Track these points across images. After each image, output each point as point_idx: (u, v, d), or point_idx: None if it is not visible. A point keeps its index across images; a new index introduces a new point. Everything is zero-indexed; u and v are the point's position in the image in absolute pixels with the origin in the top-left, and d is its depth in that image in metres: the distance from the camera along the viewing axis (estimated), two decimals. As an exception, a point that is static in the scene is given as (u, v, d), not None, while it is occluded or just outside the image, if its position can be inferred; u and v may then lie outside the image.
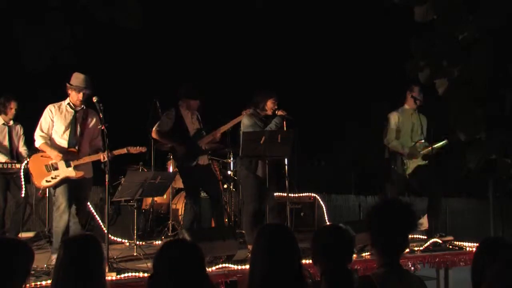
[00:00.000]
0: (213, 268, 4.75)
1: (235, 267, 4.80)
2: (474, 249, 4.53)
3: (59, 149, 5.27)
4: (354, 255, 5.17)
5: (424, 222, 6.50)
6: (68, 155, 5.26)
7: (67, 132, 5.32)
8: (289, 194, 6.12)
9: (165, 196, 7.02)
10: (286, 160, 5.97)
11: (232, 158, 7.86)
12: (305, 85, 13.37)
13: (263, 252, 2.70)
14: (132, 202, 6.08)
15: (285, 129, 6.00)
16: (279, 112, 6.04)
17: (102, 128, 5.08)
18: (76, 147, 5.33)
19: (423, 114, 6.76)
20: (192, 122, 6.30)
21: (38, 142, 5.29)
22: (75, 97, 5.34)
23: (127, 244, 6.40)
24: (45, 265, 4.76)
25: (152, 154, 7.24)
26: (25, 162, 6.12)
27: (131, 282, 4.41)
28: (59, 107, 5.37)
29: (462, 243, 6.36)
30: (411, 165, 6.56)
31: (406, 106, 6.72)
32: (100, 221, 6.34)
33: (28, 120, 5.77)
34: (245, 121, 6.05)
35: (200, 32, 11.57)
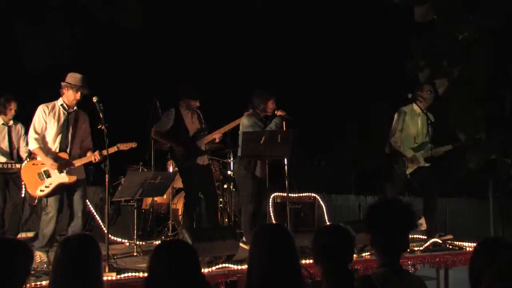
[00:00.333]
0: (213, 268, 4.74)
1: (235, 267, 4.80)
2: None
3: (53, 155, 5.24)
4: (355, 255, 5.18)
5: (423, 222, 6.50)
6: (60, 161, 5.24)
7: (60, 135, 5.30)
8: (289, 194, 6.11)
9: (165, 196, 7.01)
10: (286, 160, 5.97)
11: (232, 158, 7.86)
12: (305, 85, 13.36)
13: (261, 252, 2.70)
14: (132, 202, 6.08)
15: (284, 129, 6.00)
16: (279, 112, 6.03)
17: (102, 128, 5.08)
18: (68, 150, 5.32)
19: (430, 112, 6.65)
20: (192, 122, 6.30)
21: (33, 145, 5.24)
22: (71, 96, 5.30)
23: (127, 244, 6.40)
24: (45, 266, 4.77)
25: (152, 154, 7.24)
26: (25, 162, 6.11)
27: (131, 282, 4.41)
28: (52, 109, 5.31)
29: (462, 243, 6.36)
30: (412, 165, 6.54)
31: (415, 107, 6.58)
32: (100, 221, 6.34)
33: (28, 120, 5.75)
34: (245, 121, 6.04)
35: (200, 32, 11.56)
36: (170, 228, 7.13)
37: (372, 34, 12.82)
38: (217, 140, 6.31)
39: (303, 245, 5.59)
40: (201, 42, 11.75)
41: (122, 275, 4.48)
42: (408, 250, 5.49)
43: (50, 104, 5.35)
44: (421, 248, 6.00)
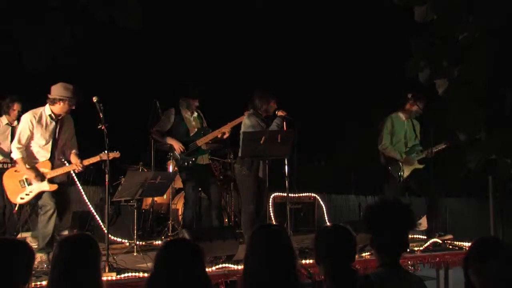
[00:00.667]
0: (213, 268, 4.75)
1: (235, 267, 4.81)
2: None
3: (33, 166, 5.30)
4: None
5: (424, 222, 6.51)
6: (40, 172, 5.30)
7: (49, 144, 5.37)
8: (289, 194, 6.12)
9: (165, 196, 7.02)
10: (286, 160, 5.98)
11: (232, 158, 7.86)
12: (305, 85, 13.35)
13: (257, 254, 2.70)
14: (132, 202, 6.09)
15: (285, 129, 6.00)
16: (279, 113, 6.04)
17: (102, 128, 5.09)
18: (50, 159, 5.40)
19: (415, 119, 6.82)
20: (192, 121, 6.32)
21: (16, 155, 5.29)
22: (65, 108, 5.36)
23: (127, 244, 6.40)
24: (45, 265, 4.78)
25: (152, 154, 7.24)
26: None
27: (131, 282, 4.41)
28: (40, 118, 5.35)
29: (462, 243, 6.37)
30: (408, 169, 6.57)
31: (400, 114, 6.75)
32: (100, 221, 6.33)
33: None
34: (247, 122, 6.06)
35: (200, 32, 11.56)
36: (170, 228, 7.13)
37: (372, 34, 12.81)
38: (226, 135, 6.32)
39: (303, 245, 5.61)
40: (201, 42, 11.75)
41: (122, 275, 4.48)
42: (408, 250, 5.52)
43: (38, 113, 5.38)
44: (421, 248, 6.01)
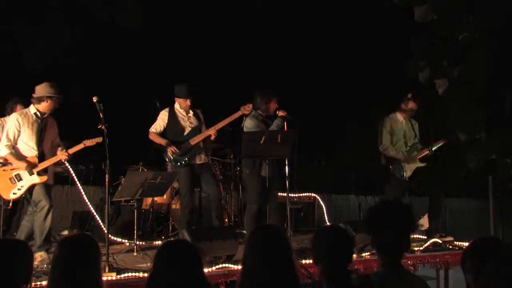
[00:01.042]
0: (213, 268, 4.75)
1: (235, 267, 4.80)
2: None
3: (23, 158, 5.43)
4: (354, 255, 5.18)
5: (424, 222, 6.50)
6: (30, 164, 5.42)
7: (35, 141, 5.49)
8: (289, 194, 6.13)
9: (165, 196, 7.02)
10: (286, 160, 5.98)
11: (232, 158, 7.86)
12: (305, 85, 13.35)
13: (255, 254, 2.71)
14: (132, 202, 6.09)
15: (285, 129, 6.01)
16: (280, 113, 6.04)
17: (103, 128, 5.10)
18: (37, 155, 5.50)
19: (413, 118, 6.83)
20: (188, 120, 6.32)
21: (5, 151, 5.42)
22: (52, 106, 5.52)
23: (127, 244, 6.40)
24: (45, 265, 4.78)
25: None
26: None
27: (131, 282, 4.41)
28: (25, 117, 5.51)
29: (462, 243, 6.37)
30: (410, 168, 6.57)
31: (398, 115, 6.77)
32: (100, 221, 6.33)
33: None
34: (248, 123, 6.09)
35: (200, 32, 11.56)
36: (170, 228, 7.13)
37: (372, 34, 12.81)
38: (212, 138, 6.30)
39: (303, 245, 5.61)
40: (201, 42, 11.75)
41: (122, 275, 4.48)
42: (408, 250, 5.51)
43: (23, 113, 5.55)
44: (421, 248, 6.01)
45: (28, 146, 5.48)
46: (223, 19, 11.52)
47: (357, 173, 13.71)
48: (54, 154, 5.55)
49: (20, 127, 5.45)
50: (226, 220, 7.46)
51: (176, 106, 6.38)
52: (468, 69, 4.35)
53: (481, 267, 2.52)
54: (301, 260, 4.68)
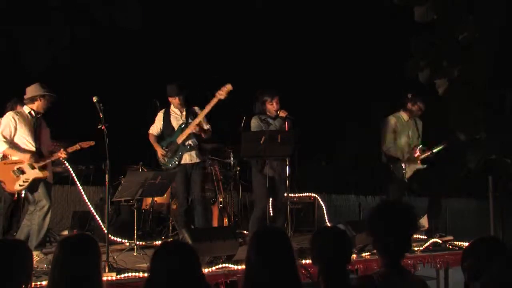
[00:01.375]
0: (213, 268, 4.74)
1: (235, 267, 4.80)
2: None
3: (25, 151, 5.47)
4: (354, 255, 5.18)
5: (424, 222, 6.50)
6: (33, 155, 5.45)
7: (32, 139, 5.52)
8: (289, 194, 6.12)
9: (165, 196, 7.01)
10: (287, 160, 5.98)
11: (232, 158, 7.86)
12: (305, 85, 13.36)
13: (257, 255, 2.71)
14: (132, 202, 6.08)
15: (287, 129, 6.01)
16: (281, 113, 6.04)
17: (103, 128, 5.10)
18: (36, 151, 5.54)
19: (418, 118, 6.79)
20: (181, 119, 6.28)
21: (3, 146, 5.42)
22: (45, 104, 5.57)
23: (127, 244, 6.40)
24: (45, 265, 4.77)
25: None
26: None
27: (131, 282, 4.41)
28: (21, 116, 5.54)
29: (462, 243, 6.36)
30: (410, 168, 6.57)
31: (403, 114, 6.71)
32: (100, 221, 6.33)
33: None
34: (251, 124, 6.10)
35: (200, 32, 11.56)
36: (170, 228, 7.13)
37: (372, 34, 12.81)
38: (195, 131, 6.21)
39: (303, 245, 5.61)
40: (201, 42, 11.75)
41: (122, 275, 4.48)
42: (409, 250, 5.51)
43: (18, 112, 5.59)
44: (421, 248, 6.00)
45: (27, 141, 5.50)
46: (223, 19, 11.52)
47: (357, 173, 13.71)
48: (50, 154, 5.61)
49: (16, 125, 5.47)
50: (226, 220, 7.46)
51: (172, 106, 6.39)
52: (468, 69, 4.35)
53: (479, 267, 2.52)
54: (301, 260, 4.67)
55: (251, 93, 6.31)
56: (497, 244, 2.79)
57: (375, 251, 2.78)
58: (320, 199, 8.29)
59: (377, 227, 2.74)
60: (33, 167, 5.42)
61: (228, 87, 6.05)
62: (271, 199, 6.20)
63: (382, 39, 12.39)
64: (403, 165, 6.53)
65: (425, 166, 6.59)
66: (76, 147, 5.69)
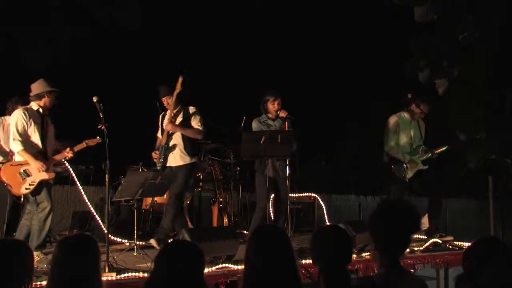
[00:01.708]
0: (213, 268, 4.74)
1: (235, 267, 4.80)
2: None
3: (36, 156, 5.41)
4: (354, 255, 5.18)
5: (424, 222, 6.50)
6: (41, 160, 5.41)
7: (39, 138, 5.49)
8: (289, 194, 6.13)
9: (165, 196, 7.00)
10: (287, 160, 5.98)
11: (232, 158, 7.86)
12: (305, 85, 13.36)
13: (256, 254, 2.71)
14: (132, 202, 6.08)
15: (287, 129, 6.01)
16: (281, 114, 6.05)
17: (103, 128, 5.10)
18: (42, 150, 5.51)
19: (421, 119, 6.79)
20: (173, 119, 6.21)
21: (18, 147, 5.36)
22: (52, 100, 5.55)
23: (127, 244, 6.39)
24: (45, 265, 4.77)
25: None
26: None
27: (131, 282, 4.41)
28: (30, 112, 5.50)
29: (462, 243, 6.37)
30: (412, 170, 6.57)
31: (406, 114, 6.69)
32: (100, 221, 6.33)
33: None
34: (253, 125, 6.11)
35: (200, 32, 11.57)
36: (170, 228, 7.12)
37: (372, 34, 12.82)
38: (172, 131, 6.09)
39: (303, 245, 5.61)
40: (201, 42, 11.75)
41: (122, 275, 4.48)
42: (408, 250, 5.51)
43: (27, 108, 5.53)
44: (421, 248, 6.01)
45: (33, 142, 5.46)
46: (224, 19, 11.53)
47: (357, 173, 13.72)
48: (54, 153, 5.58)
49: (28, 120, 5.43)
50: (226, 220, 7.46)
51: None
52: (468, 69, 4.35)
53: (479, 267, 2.52)
54: (301, 260, 4.67)
55: (251, 93, 6.32)
56: (497, 245, 2.79)
57: (375, 250, 2.77)
58: (320, 199, 8.29)
59: (378, 226, 2.74)
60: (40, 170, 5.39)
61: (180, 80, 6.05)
62: (271, 199, 6.20)
63: (382, 39, 12.39)
64: (404, 166, 6.54)
65: (426, 166, 6.60)
66: (83, 145, 5.63)
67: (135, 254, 5.62)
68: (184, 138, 6.12)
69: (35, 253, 5.02)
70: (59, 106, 5.70)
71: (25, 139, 5.41)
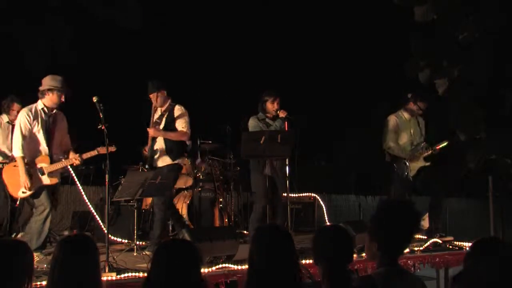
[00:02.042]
0: (213, 268, 4.74)
1: (235, 267, 4.80)
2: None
3: (39, 159, 5.34)
4: (354, 255, 5.18)
5: (424, 222, 6.50)
6: (44, 161, 5.35)
7: (45, 138, 5.40)
8: (289, 194, 6.13)
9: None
10: (287, 160, 5.98)
11: (232, 158, 7.86)
12: (305, 85, 13.36)
13: (259, 252, 2.71)
14: (132, 202, 6.08)
15: (286, 129, 6.02)
16: (281, 114, 6.05)
17: (103, 128, 5.09)
18: (49, 154, 5.42)
19: (420, 117, 6.79)
20: (159, 119, 6.14)
21: (18, 152, 5.31)
22: (56, 99, 5.39)
23: (127, 244, 6.40)
24: (45, 265, 4.77)
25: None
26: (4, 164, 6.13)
27: (131, 282, 4.41)
28: (35, 112, 5.39)
29: (462, 243, 6.36)
30: (414, 167, 6.57)
31: (404, 113, 6.71)
32: (100, 221, 6.33)
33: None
34: (249, 124, 6.10)
35: (200, 32, 11.56)
36: (170, 228, 7.13)
37: (372, 34, 12.82)
38: (153, 135, 5.99)
39: (303, 245, 5.61)
40: (200, 42, 11.75)
41: (122, 275, 4.48)
42: (408, 250, 5.51)
43: (32, 108, 5.42)
44: (421, 248, 6.01)
45: (39, 143, 5.39)
46: (224, 19, 11.52)
47: (357, 173, 13.71)
48: (62, 153, 5.48)
49: (31, 122, 5.34)
50: (226, 220, 7.46)
51: None
52: (468, 69, 4.35)
53: (479, 267, 2.52)
54: (301, 260, 4.67)
55: (251, 94, 6.32)
56: (498, 245, 2.79)
57: (375, 250, 2.77)
58: (320, 199, 8.29)
59: (378, 226, 2.73)
60: (42, 173, 5.34)
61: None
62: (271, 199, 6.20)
63: (382, 39, 12.39)
64: (406, 164, 6.54)
65: (428, 164, 6.60)
66: (94, 152, 5.50)
67: (135, 254, 5.63)
68: (166, 141, 6.02)
69: (35, 254, 5.03)
70: (59, 106, 5.66)
71: (28, 142, 5.34)
